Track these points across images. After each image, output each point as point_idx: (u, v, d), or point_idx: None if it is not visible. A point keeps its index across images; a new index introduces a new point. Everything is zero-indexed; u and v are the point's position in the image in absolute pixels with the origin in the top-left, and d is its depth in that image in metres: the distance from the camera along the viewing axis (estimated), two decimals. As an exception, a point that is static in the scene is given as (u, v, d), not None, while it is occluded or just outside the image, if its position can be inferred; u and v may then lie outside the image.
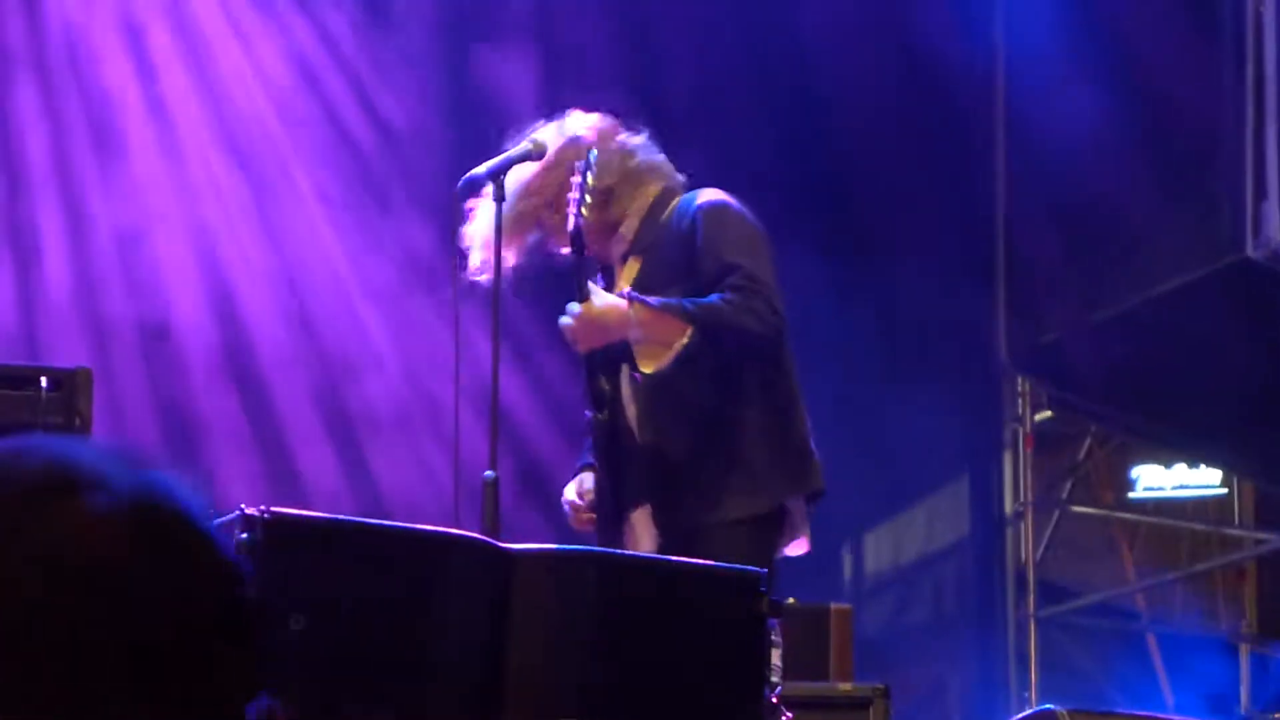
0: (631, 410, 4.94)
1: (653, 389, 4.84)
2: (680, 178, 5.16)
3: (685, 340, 4.73)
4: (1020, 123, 9.52)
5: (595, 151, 4.84)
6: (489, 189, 5.00)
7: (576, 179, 4.78)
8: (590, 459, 5.06)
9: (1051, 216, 9.34)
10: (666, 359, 4.77)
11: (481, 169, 5.03)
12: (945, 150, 9.58)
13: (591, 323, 4.75)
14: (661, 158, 5.17)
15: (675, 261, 4.91)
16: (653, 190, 5.10)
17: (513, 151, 5.03)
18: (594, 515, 4.95)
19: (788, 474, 4.91)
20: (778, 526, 4.87)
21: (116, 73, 8.37)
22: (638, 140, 5.16)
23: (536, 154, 5.00)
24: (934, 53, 9.20)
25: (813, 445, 4.99)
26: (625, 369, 4.91)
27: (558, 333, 4.90)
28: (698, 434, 4.88)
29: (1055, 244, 9.30)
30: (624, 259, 5.01)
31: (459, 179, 5.10)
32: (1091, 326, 9.11)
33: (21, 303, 8.09)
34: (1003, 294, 9.70)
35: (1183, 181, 8.55)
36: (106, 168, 8.30)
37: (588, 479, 5.04)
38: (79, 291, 8.17)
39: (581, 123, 5.14)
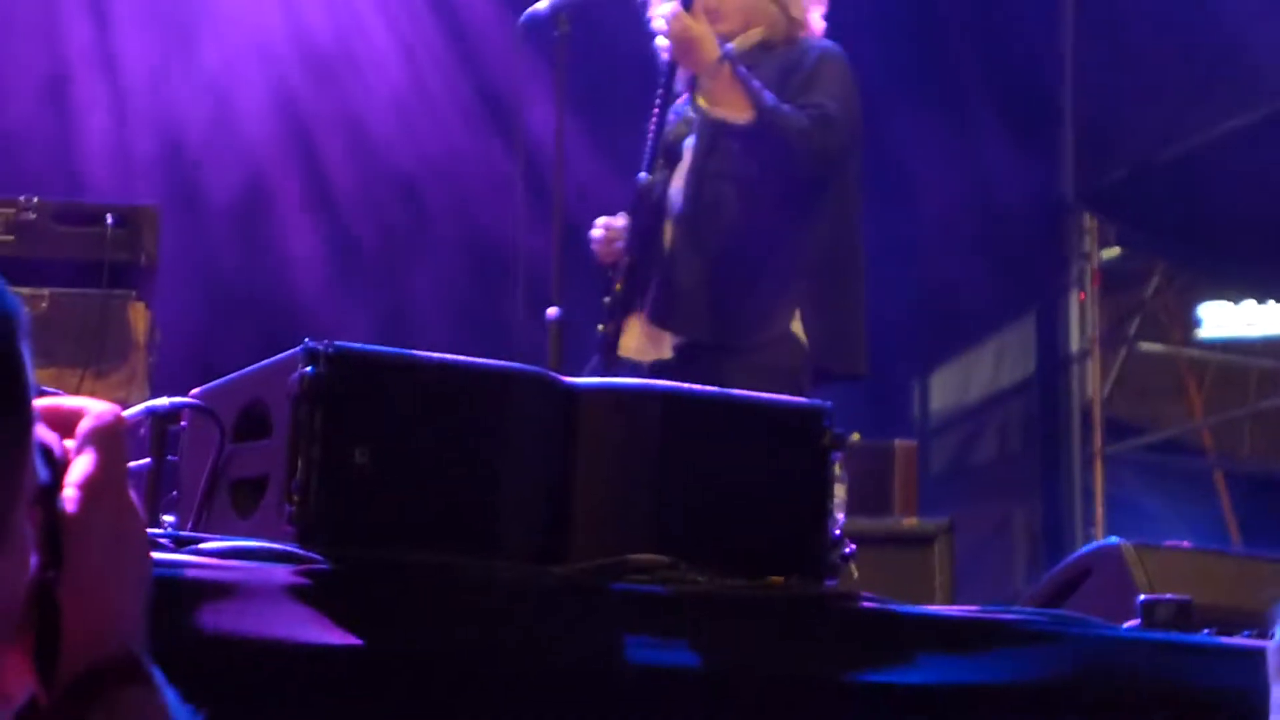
0: (678, 184, 4.97)
1: (703, 186, 4.88)
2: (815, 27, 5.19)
3: (743, 119, 4.78)
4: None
5: None
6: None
7: None
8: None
9: (1121, 52, 9.24)
10: (722, 116, 4.82)
11: (543, 4, 5.01)
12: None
13: (688, 33, 4.79)
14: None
15: (769, 81, 4.94)
16: (777, 24, 5.13)
17: None
18: (619, 243, 5.00)
19: (794, 305, 4.91)
20: (789, 352, 4.87)
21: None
22: None
23: None
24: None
25: (852, 318, 4.99)
26: (683, 163, 4.95)
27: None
28: (722, 242, 4.89)
29: (1124, 81, 9.20)
30: None
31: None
32: (1161, 163, 9.03)
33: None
34: (1070, 131, 9.62)
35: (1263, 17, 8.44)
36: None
37: (618, 218, 5.08)
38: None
39: None
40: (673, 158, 5.03)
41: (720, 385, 2.94)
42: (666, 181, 5.02)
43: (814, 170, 4.84)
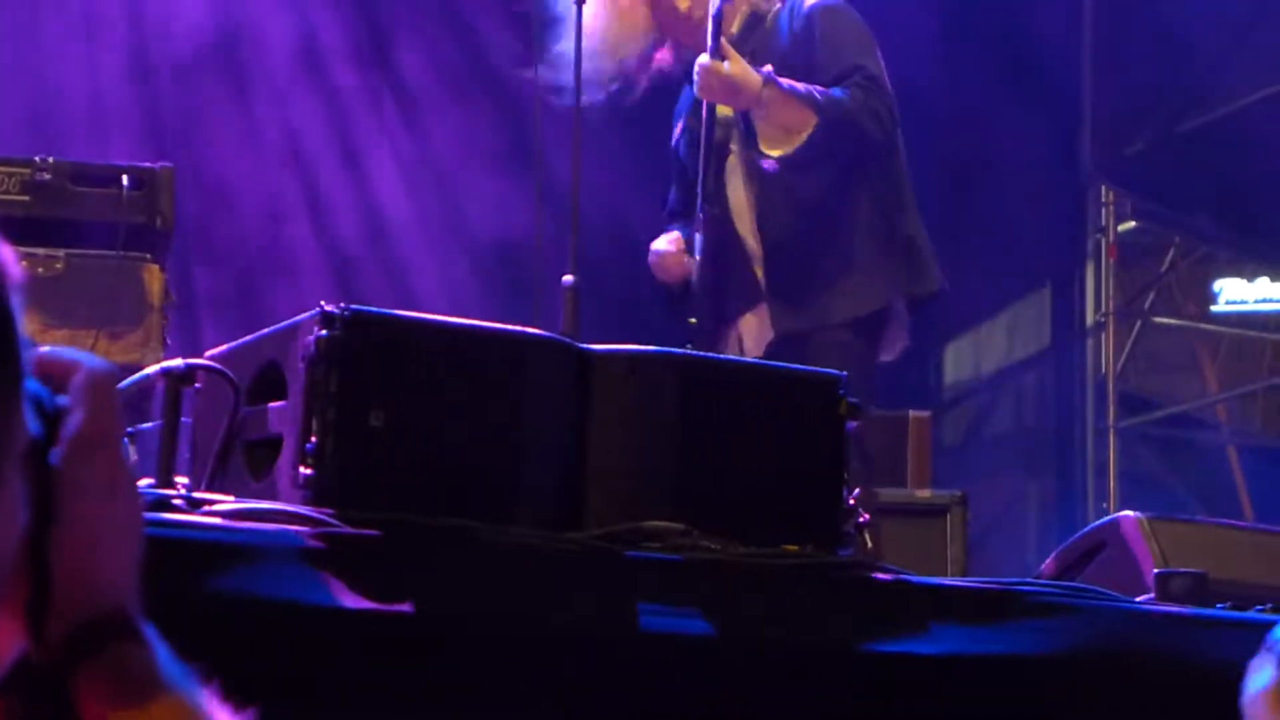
0: (740, 198, 4.95)
1: (770, 179, 4.87)
2: None
3: (810, 130, 4.76)
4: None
5: None
6: None
7: None
8: (674, 228, 5.10)
9: (1139, 26, 9.21)
10: (793, 145, 4.79)
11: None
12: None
13: (724, 79, 4.76)
14: None
15: (790, 64, 4.92)
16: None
17: None
18: (686, 258, 4.98)
19: (893, 274, 4.93)
20: (881, 329, 4.90)
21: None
22: None
23: None
24: None
25: (926, 244, 5.02)
26: (732, 161, 4.93)
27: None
28: (807, 230, 4.89)
29: (1143, 53, 9.17)
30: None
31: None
32: (1180, 136, 9.00)
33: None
34: (1088, 103, 9.59)
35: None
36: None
37: (676, 233, 5.07)
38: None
39: None
40: (721, 156, 5.00)
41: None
42: (723, 186, 5.00)
43: (884, 134, 4.83)
